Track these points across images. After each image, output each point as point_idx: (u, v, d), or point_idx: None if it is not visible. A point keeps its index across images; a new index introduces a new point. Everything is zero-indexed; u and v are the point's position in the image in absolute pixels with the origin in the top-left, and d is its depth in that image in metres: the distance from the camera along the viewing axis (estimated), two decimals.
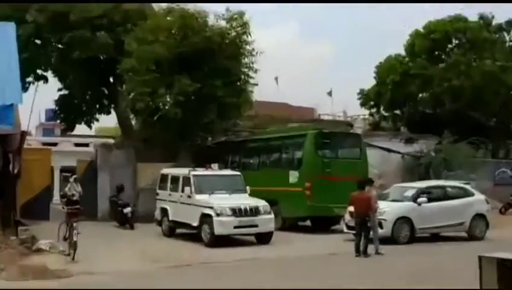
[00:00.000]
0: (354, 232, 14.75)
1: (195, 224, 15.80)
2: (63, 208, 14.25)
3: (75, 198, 20.05)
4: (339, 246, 15.57)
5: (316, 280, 10.79)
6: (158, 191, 18.39)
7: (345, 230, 16.68)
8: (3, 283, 10.35)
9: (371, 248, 13.97)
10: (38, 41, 24.53)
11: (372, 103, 37.58)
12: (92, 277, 11.13)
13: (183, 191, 16.51)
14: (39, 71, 25.45)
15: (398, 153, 28.85)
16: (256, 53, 23.02)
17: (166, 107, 21.50)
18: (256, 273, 11.82)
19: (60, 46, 24.65)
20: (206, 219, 15.42)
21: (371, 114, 39.42)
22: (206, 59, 21.95)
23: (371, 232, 14.13)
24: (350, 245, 14.90)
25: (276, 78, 47.30)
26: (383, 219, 15.21)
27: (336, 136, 19.82)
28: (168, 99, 21.57)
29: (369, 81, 37.80)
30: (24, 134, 14.77)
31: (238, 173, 17.55)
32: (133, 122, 25.67)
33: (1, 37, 16.08)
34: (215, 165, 17.21)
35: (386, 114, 38.20)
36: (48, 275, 11.13)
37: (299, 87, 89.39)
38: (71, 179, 21.17)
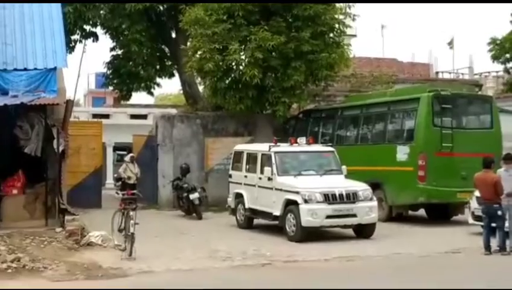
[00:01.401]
0: (482, 223, 14.34)
1: (277, 213, 15.91)
2: (117, 193, 14.65)
3: (131, 181, 20.81)
4: (463, 241, 15.25)
5: (426, 284, 10.56)
6: (231, 172, 18.64)
7: (471, 221, 16.31)
8: (47, 284, 10.84)
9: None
10: None
11: (508, 55, 36.18)
12: (152, 277, 11.43)
13: (262, 172, 16.63)
14: (87, 27, 26.22)
15: None
16: None
17: (241, 68, 21.63)
18: (353, 275, 11.76)
19: None
20: (291, 206, 15.49)
21: (506, 70, 38.00)
22: (290, 5, 21.83)
23: (507, 223, 13.68)
24: (477, 240, 14.53)
25: (382, 27, 46.69)
26: None
27: (459, 100, 19.25)
28: (243, 57, 21.67)
29: (503, 27, 36.44)
30: (70, 104, 15.29)
31: (331, 148, 17.46)
32: (200, 87, 26.07)
33: None
34: (302, 140, 17.18)
35: None
36: (100, 273, 11.54)
37: (411, 38, 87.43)
38: (127, 159, 21.90)
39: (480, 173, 14.01)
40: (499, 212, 13.61)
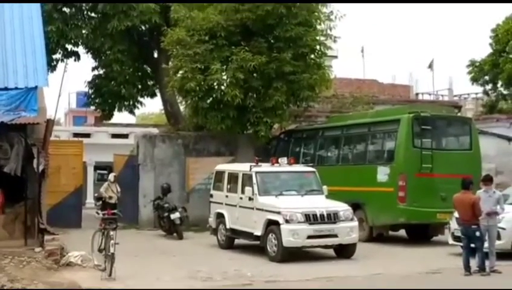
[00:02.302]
0: (461, 244, 14.41)
1: (258, 233, 15.87)
2: (97, 213, 14.55)
3: (112, 201, 20.66)
4: (443, 261, 15.30)
5: None
6: (212, 192, 18.61)
7: (451, 242, 16.38)
8: None
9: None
10: (67, 10, 25.22)
11: (486, 77, 36.62)
12: None
13: (243, 192, 16.60)
14: (69, 46, 26.17)
15: None
16: (336, 17, 22.92)
17: (223, 88, 21.69)
18: None
19: (93, 15, 25.29)
20: (272, 226, 15.45)
21: (485, 92, 38.44)
22: (272, 26, 21.98)
23: (486, 244, 13.75)
24: (457, 261, 14.60)
25: (362, 49, 47.08)
26: (501, 228, 14.75)
27: (439, 121, 19.37)
28: (225, 77, 21.74)
29: (482, 49, 36.93)
30: (50, 123, 15.22)
31: (312, 169, 17.49)
32: (182, 107, 26.06)
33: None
34: (283, 160, 17.20)
35: (505, 92, 37.15)
36: None
37: (391, 60, 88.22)
38: (110, 178, 21.76)
39: (459, 194, 14.08)
40: (477, 233, 13.64)
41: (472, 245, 13.78)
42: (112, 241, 12.76)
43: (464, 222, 13.90)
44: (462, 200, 13.88)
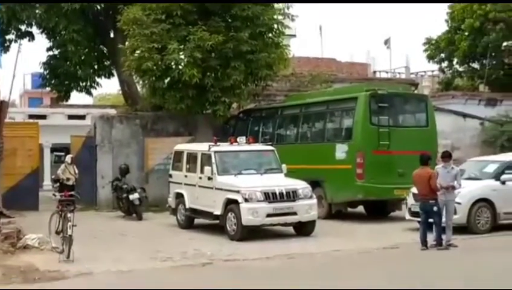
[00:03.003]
0: (419, 219, 14.63)
1: (218, 212, 15.89)
2: (54, 195, 14.40)
3: (70, 183, 20.49)
4: (401, 237, 15.55)
5: (368, 281, 10.71)
6: (172, 172, 18.54)
7: (408, 217, 16.64)
8: None
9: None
10: None
11: (442, 55, 37.00)
12: (90, 279, 11.26)
13: (202, 171, 16.57)
14: (22, 27, 25.67)
15: (477, 118, 28.44)
16: None
17: (180, 67, 21.53)
18: (292, 273, 11.82)
19: None
20: (231, 205, 15.49)
21: (441, 70, 38.88)
22: (229, 5, 21.85)
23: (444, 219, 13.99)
24: (414, 235, 14.85)
25: (319, 28, 47.14)
26: (457, 202, 15.01)
27: (396, 99, 19.55)
28: (182, 56, 21.56)
29: (438, 27, 37.26)
30: (5, 105, 14.95)
31: (271, 148, 17.51)
32: (139, 87, 25.82)
33: None
34: (242, 139, 17.20)
35: (460, 69, 37.61)
36: (37, 276, 11.30)
37: (350, 38, 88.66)
38: (67, 160, 21.53)
39: (418, 170, 14.25)
40: (435, 208, 13.86)
41: (430, 220, 14.00)
42: (70, 223, 12.62)
43: (422, 197, 14.11)
44: (420, 176, 14.07)
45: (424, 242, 13.87)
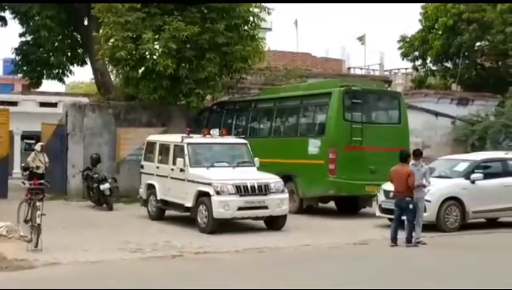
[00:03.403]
0: (389, 216, 14.69)
1: (189, 205, 15.82)
2: (23, 183, 14.23)
3: (40, 171, 20.25)
4: (371, 233, 15.65)
5: (336, 278, 10.75)
6: (143, 163, 18.43)
7: (378, 214, 16.74)
8: None
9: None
10: None
11: (416, 53, 37.31)
12: (58, 269, 11.17)
13: (174, 163, 16.48)
14: None
15: (448, 117, 28.73)
16: None
17: (155, 57, 21.35)
18: (261, 267, 11.84)
19: None
20: (202, 198, 15.43)
21: (414, 68, 39.19)
22: None
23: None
24: (384, 232, 14.96)
25: (295, 22, 47.12)
26: (427, 200, 15.11)
27: (369, 96, 19.65)
28: (157, 47, 21.39)
29: (412, 26, 37.58)
30: None
31: (244, 141, 17.47)
32: (113, 76, 25.60)
33: None
34: (215, 131, 17.14)
35: (433, 68, 37.98)
36: (4, 265, 11.19)
37: (325, 33, 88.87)
38: (37, 148, 21.29)
39: (396, 166, 14.27)
40: (410, 206, 13.89)
41: (403, 217, 14.05)
42: (39, 212, 12.50)
43: (398, 194, 14.10)
44: (398, 172, 14.08)
45: (394, 239, 13.95)
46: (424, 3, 36.79)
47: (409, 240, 13.93)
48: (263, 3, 22.85)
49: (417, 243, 14.03)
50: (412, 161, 14.66)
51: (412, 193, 13.95)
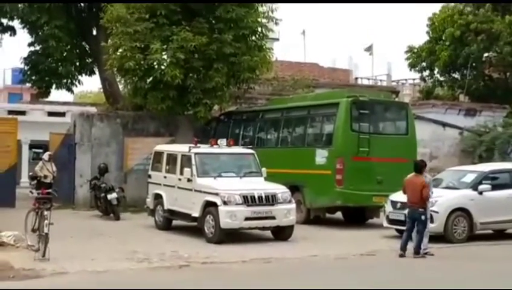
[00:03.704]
0: (396, 227, 14.64)
1: (196, 215, 15.83)
2: (31, 192, 14.26)
3: (48, 180, 20.29)
4: (378, 244, 15.60)
5: (343, 287, 10.72)
6: (151, 172, 18.44)
7: (385, 224, 16.69)
8: None
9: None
10: None
11: (423, 64, 37.29)
12: (66, 278, 11.17)
13: (182, 173, 16.49)
14: (4, 20, 25.47)
15: (456, 127, 28.67)
16: None
17: (163, 67, 21.44)
18: (268, 277, 11.81)
19: None
20: (210, 208, 15.42)
21: (422, 78, 39.16)
22: (213, 6, 21.81)
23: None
24: (391, 243, 14.91)
25: (303, 32, 47.28)
26: (434, 211, 15.10)
27: (377, 106, 19.64)
28: (165, 57, 21.51)
29: (420, 37, 37.59)
30: None
31: (251, 151, 17.48)
32: (121, 86, 25.69)
33: None
34: (222, 141, 17.16)
35: (441, 78, 37.95)
36: (12, 274, 11.19)
37: (332, 44, 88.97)
38: (45, 157, 21.34)
39: (411, 177, 14.23)
40: (423, 217, 13.85)
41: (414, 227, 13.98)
42: (46, 222, 12.52)
43: (411, 205, 14.02)
44: (413, 183, 14.02)
45: (403, 248, 13.89)
46: (431, 14, 36.80)
47: (417, 252, 13.88)
48: (271, 14, 22.89)
49: (424, 253, 13.99)
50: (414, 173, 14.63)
51: (425, 204, 13.92)
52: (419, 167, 14.24)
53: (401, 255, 13.82)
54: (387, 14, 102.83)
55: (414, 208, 13.95)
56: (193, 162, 16.24)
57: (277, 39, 41.97)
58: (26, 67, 26.77)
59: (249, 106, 25.15)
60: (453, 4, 35.95)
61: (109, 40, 22.94)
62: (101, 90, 29.75)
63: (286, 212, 15.65)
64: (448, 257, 14.26)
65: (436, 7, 36.49)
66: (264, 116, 22.30)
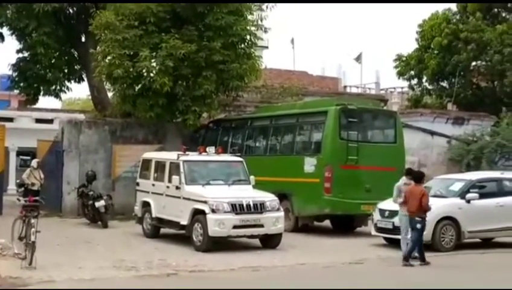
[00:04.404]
0: (384, 235, 14.67)
1: (184, 222, 15.80)
2: (18, 200, 14.19)
3: (35, 188, 20.26)
4: (366, 252, 15.63)
5: None
6: (139, 180, 18.41)
7: (374, 233, 16.73)
8: None
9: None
10: None
11: (412, 72, 37.44)
12: (53, 286, 11.11)
13: (170, 180, 16.46)
14: None
15: (444, 136, 28.78)
16: (267, 7, 23.00)
17: (152, 75, 21.44)
18: (256, 286, 11.78)
19: None
20: (198, 216, 15.41)
21: (410, 87, 39.32)
22: (202, 14, 21.84)
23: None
24: (380, 251, 14.93)
25: (292, 41, 47.36)
26: None
27: (365, 114, 19.73)
28: (154, 64, 21.48)
29: (408, 45, 37.80)
30: None
31: (240, 159, 17.47)
32: (109, 93, 25.64)
33: None
34: (211, 149, 17.16)
35: (429, 87, 38.12)
36: None
37: (321, 52, 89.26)
38: (33, 164, 21.27)
39: (411, 187, 14.38)
40: (418, 226, 13.97)
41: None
42: (33, 229, 12.45)
43: (410, 213, 14.18)
44: (413, 193, 14.16)
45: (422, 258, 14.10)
46: (421, 21, 37.01)
47: (406, 259, 13.94)
48: (260, 22, 22.96)
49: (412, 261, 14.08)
50: (405, 180, 14.73)
51: (424, 213, 14.07)
52: (419, 177, 14.43)
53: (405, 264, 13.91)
54: (376, 22, 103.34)
55: (412, 217, 14.10)
56: (181, 169, 16.23)
57: (266, 47, 42.11)
58: (14, 74, 26.61)
59: (237, 113, 25.18)
60: (441, 12, 36.17)
61: (98, 47, 22.89)
62: (90, 97, 29.68)
63: (274, 220, 15.67)
64: (435, 265, 14.30)
65: (426, 14, 36.73)
66: (252, 124, 22.34)
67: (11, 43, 26.59)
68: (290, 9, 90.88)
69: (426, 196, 14.01)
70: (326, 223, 20.21)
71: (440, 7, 36.49)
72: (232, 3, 21.86)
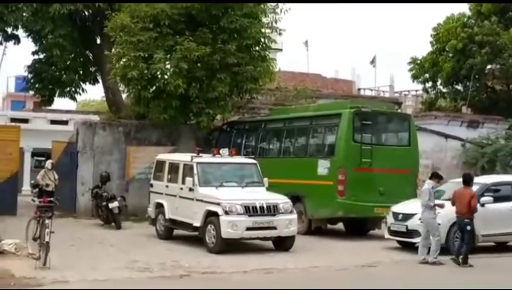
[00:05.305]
0: (398, 238, 14.62)
1: (197, 224, 15.81)
2: (33, 200, 14.28)
3: (49, 189, 20.33)
4: (379, 255, 15.56)
5: None
6: (152, 181, 18.44)
7: (387, 236, 16.66)
8: None
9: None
10: None
11: (426, 75, 37.30)
12: (66, 287, 11.16)
13: (183, 182, 16.49)
14: (8, 29, 25.54)
15: (458, 139, 28.62)
16: (281, 10, 23.01)
17: (166, 77, 21.51)
18: (269, 288, 11.78)
19: None
20: (211, 218, 15.41)
21: (425, 89, 39.17)
22: (217, 16, 21.87)
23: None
24: (393, 254, 14.86)
25: (305, 43, 47.32)
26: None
27: (379, 117, 19.63)
28: (168, 66, 21.56)
29: (423, 48, 37.64)
30: None
31: (253, 161, 17.47)
32: (124, 95, 25.74)
33: None
34: (225, 151, 17.16)
35: (444, 90, 37.94)
36: (12, 282, 11.17)
37: (335, 54, 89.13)
38: (47, 165, 21.36)
39: (459, 189, 14.69)
40: (468, 227, 14.37)
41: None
42: (47, 230, 12.52)
43: (459, 215, 14.53)
44: (462, 195, 14.54)
45: (458, 254, 14.48)
46: (436, 25, 36.88)
47: (465, 261, 14.28)
48: (275, 25, 22.97)
49: (433, 262, 14.23)
50: (432, 183, 14.74)
51: (472, 215, 14.40)
52: (468, 180, 14.79)
53: (454, 260, 14.33)
54: (390, 25, 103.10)
55: (461, 219, 14.45)
56: (195, 171, 16.25)
57: (280, 50, 42.05)
58: (29, 75, 26.83)
59: (251, 115, 25.17)
60: (456, 16, 36.04)
61: (113, 49, 23.02)
62: (104, 98, 29.81)
63: (287, 222, 15.63)
64: (448, 268, 14.24)
65: (441, 18, 36.59)
66: (266, 126, 22.31)
67: (27, 45, 26.78)
68: (304, 11, 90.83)
69: (475, 198, 14.38)
70: (340, 225, 20.15)
71: (455, 10, 36.40)
72: (246, 6, 21.87)
